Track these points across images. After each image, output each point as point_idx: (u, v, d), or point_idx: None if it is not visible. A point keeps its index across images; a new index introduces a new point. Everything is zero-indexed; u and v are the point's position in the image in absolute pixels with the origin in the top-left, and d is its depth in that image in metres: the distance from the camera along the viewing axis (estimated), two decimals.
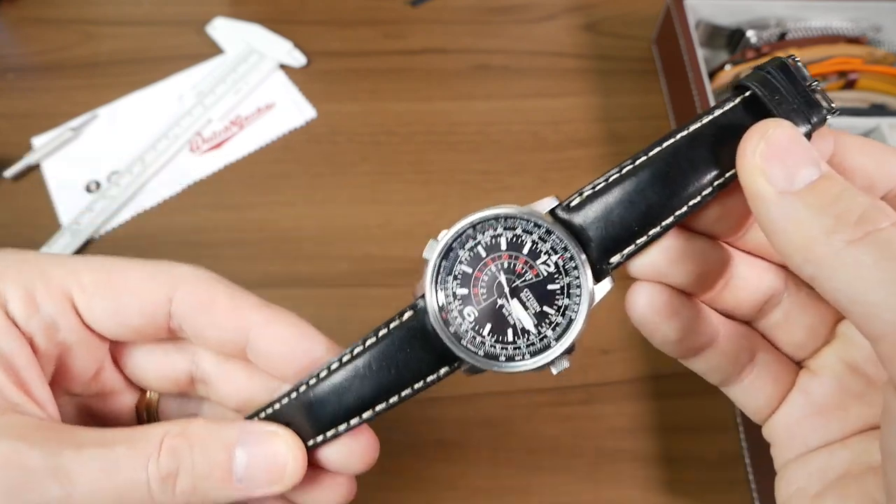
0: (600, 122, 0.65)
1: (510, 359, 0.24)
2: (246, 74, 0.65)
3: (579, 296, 0.23)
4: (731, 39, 0.66)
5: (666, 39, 0.66)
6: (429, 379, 0.25)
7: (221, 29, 0.68)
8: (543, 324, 0.24)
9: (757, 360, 0.26)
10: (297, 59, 0.67)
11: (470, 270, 0.24)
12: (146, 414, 0.31)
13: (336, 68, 0.67)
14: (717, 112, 0.23)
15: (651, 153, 0.23)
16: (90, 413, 0.30)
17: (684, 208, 0.23)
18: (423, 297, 0.24)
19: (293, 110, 0.64)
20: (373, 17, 0.71)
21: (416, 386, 0.25)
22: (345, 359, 0.25)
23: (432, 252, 0.24)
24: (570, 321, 0.24)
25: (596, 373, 0.51)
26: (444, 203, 0.59)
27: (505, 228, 0.24)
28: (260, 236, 0.57)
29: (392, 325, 0.25)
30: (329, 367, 0.25)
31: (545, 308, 0.24)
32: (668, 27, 0.65)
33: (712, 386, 0.28)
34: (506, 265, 0.24)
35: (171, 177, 0.59)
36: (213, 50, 0.67)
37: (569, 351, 0.24)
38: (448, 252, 0.24)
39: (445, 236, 0.24)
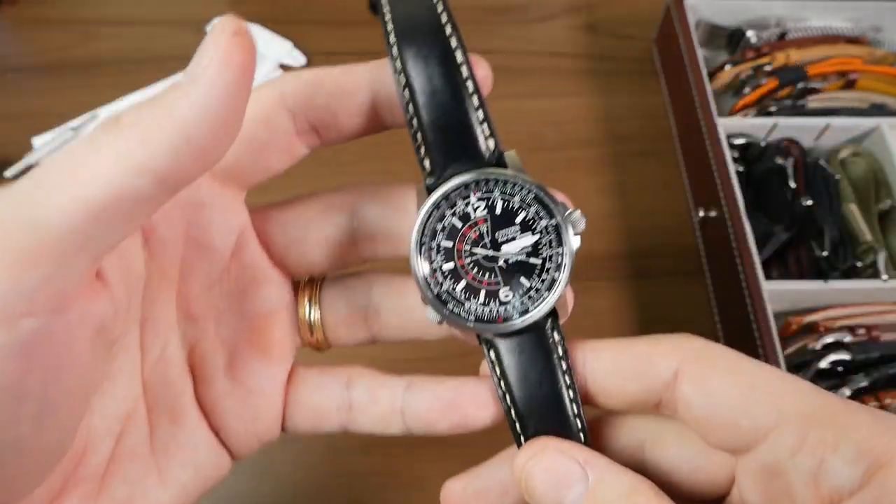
0: (600, 122, 0.65)
1: (552, 284, 0.22)
2: None
3: (523, 186, 0.22)
4: (731, 39, 0.66)
5: (666, 39, 0.66)
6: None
7: None
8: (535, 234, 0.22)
9: None
10: (297, 59, 0.67)
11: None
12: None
13: None
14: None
15: None
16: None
17: None
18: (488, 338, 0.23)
19: None
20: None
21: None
22: None
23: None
24: (541, 201, 0.22)
25: None
26: None
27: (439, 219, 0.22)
28: None
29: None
30: None
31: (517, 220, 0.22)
32: (668, 27, 0.65)
33: None
34: (471, 236, 0.22)
35: None
36: None
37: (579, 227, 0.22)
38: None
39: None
